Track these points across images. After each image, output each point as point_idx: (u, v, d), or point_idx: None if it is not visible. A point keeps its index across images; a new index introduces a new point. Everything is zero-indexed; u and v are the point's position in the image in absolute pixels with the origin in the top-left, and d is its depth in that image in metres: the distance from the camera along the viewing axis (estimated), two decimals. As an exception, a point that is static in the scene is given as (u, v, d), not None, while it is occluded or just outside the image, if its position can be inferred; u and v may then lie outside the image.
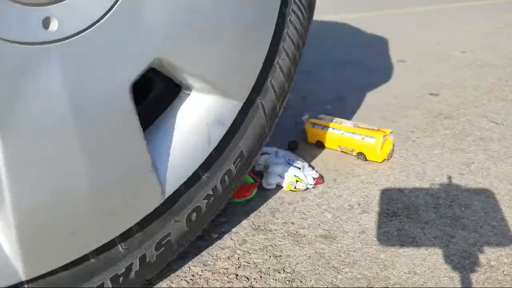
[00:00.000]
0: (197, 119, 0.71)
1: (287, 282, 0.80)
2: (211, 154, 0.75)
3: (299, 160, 1.16)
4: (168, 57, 0.62)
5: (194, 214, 0.75)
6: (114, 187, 0.62)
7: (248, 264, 0.84)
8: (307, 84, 2.05)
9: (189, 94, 0.71)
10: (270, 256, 0.87)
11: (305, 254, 0.87)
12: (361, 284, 0.80)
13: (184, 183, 0.72)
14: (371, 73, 2.24)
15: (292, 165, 1.12)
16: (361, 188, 1.12)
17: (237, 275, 0.82)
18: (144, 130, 0.63)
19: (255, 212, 1.01)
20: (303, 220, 0.98)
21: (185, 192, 0.73)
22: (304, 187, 1.09)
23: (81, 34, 0.53)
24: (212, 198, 0.78)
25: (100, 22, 0.54)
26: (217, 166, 0.77)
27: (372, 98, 1.83)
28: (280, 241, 0.92)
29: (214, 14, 0.66)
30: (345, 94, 1.88)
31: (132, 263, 0.68)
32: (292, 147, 1.31)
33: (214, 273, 0.82)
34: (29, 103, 0.50)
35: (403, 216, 0.99)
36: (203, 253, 0.87)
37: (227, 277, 0.81)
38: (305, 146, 1.36)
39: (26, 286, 0.57)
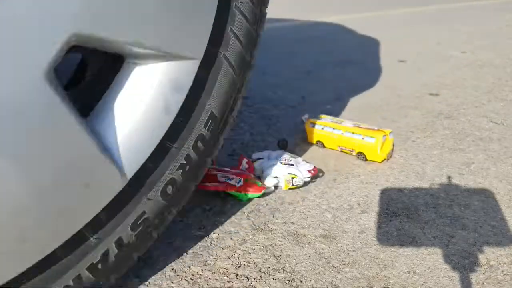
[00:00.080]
0: (147, 89, 0.66)
1: (287, 281, 0.80)
2: (175, 123, 0.70)
3: (292, 157, 1.16)
4: (89, 30, 0.55)
5: (170, 187, 0.73)
6: (58, 182, 0.58)
7: (248, 264, 0.85)
8: (307, 84, 2.05)
9: (132, 65, 0.66)
10: (270, 256, 0.87)
11: (305, 254, 0.87)
12: (361, 283, 0.80)
13: (150, 158, 0.68)
14: (371, 73, 2.24)
15: (285, 163, 1.13)
16: (361, 188, 1.12)
17: (237, 274, 0.82)
18: (90, 111, 0.60)
19: (255, 212, 1.01)
20: (303, 220, 0.99)
21: (153, 167, 0.70)
22: (301, 182, 1.09)
23: None
24: (188, 167, 0.74)
25: None
26: (186, 134, 0.73)
27: (372, 98, 1.83)
28: (280, 241, 0.92)
29: None
30: (345, 94, 1.89)
31: (107, 249, 0.67)
32: (282, 146, 1.31)
33: (214, 272, 0.82)
34: None
35: (403, 216, 1.00)
36: (203, 252, 0.88)
37: (227, 276, 0.81)
38: (305, 146, 1.36)
39: None
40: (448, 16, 4.43)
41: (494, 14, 4.50)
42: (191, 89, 0.70)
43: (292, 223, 0.98)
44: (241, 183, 1.04)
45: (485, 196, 1.08)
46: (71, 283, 0.65)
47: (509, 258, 0.86)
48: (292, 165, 1.12)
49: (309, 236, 0.93)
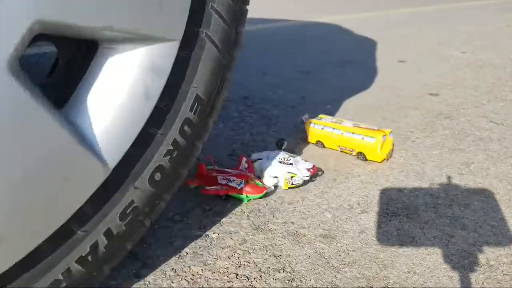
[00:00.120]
0: (124, 75, 0.63)
1: (287, 281, 0.80)
2: (158, 108, 0.67)
3: (290, 156, 1.16)
4: (54, 17, 0.52)
5: (158, 174, 0.71)
6: (33, 176, 0.56)
7: (248, 264, 0.85)
8: (307, 84, 2.05)
9: (106, 50, 0.63)
10: (270, 256, 0.87)
11: (305, 254, 0.88)
12: (360, 283, 0.80)
13: (133, 146, 0.66)
14: (371, 73, 2.24)
15: (284, 163, 1.13)
16: (360, 188, 1.12)
17: (237, 274, 0.82)
18: (66, 101, 0.59)
19: (255, 212, 1.01)
20: (303, 220, 0.99)
21: (138, 155, 0.68)
22: (301, 181, 1.10)
23: None
24: (176, 152, 0.72)
25: None
26: (170, 119, 0.70)
27: (372, 98, 1.83)
28: (280, 240, 0.92)
29: None
30: (345, 94, 1.89)
31: (96, 241, 0.66)
32: (280, 145, 1.31)
33: (214, 272, 0.82)
34: None
35: (403, 216, 1.00)
36: (203, 252, 0.88)
37: (227, 276, 0.81)
38: (305, 146, 1.36)
39: None
40: (448, 16, 4.43)
41: (494, 14, 4.50)
42: (173, 72, 0.67)
43: (292, 223, 0.98)
44: (242, 185, 1.04)
45: (485, 196, 1.08)
46: (60, 277, 0.64)
47: (509, 258, 0.86)
48: (291, 164, 1.12)
49: (309, 236, 0.93)
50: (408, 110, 1.68)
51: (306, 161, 1.16)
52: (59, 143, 0.57)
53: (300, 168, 1.12)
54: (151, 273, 0.82)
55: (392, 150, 1.28)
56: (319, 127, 1.34)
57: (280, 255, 0.87)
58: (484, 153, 1.31)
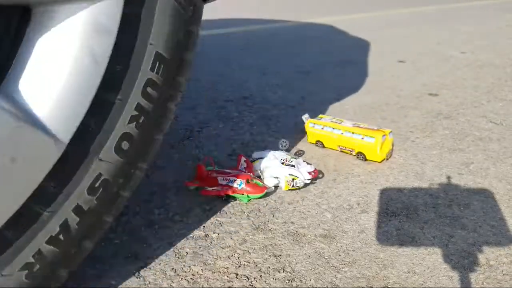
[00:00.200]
0: (65, 39, 0.57)
1: (287, 281, 0.80)
2: (110, 72, 0.62)
3: (293, 158, 1.16)
4: None
5: (125, 143, 0.66)
6: None
7: (248, 264, 0.85)
8: (307, 84, 2.05)
9: (41, 15, 0.57)
10: (270, 256, 0.87)
11: (305, 254, 0.88)
12: (360, 283, 0.80)
13: (89, 117, 0.61)
14: (371, 73, 2.24)
15: (286, 164, 1.13)
16: (360, 188, 1.12)
17: (237, 274, 0.82)
18: (2, 78, 0.55)
19: (255, 212, 1.02)
20: (303, 220, 0.99)
21: (97, 126, 0.64)
22: (302, 184, 1.10)
23: None
24: (142, 118, 0.67)
25: None
26: (128, 82, 0.64)
27: (372, 98, 1.83)
28: (280, 240, 0.92)
29: None
30: (345, 94, 1.89)
31: (66, 219, 0.64)
32: (284, 147, 1.31)
33: (214, 272, 0.83)
34: None
35: (402, 216, 1.00)
36: (203, 252, 0.88)
37: (227, 276, 0.82)
38: (305, 146, 1.36)
39: None
40: (448, 16, 4.43)
41: (494, 14, 4.50)
42: (122, 30, 0.61)
43: (292, 222, 0.98)
44: (242, 185, 1.04)
45: (485, 196, 1.08)
46: (31, 259, 0.63)
47: (509, 258, 0.86)
48: (293, 166, 1.12)
49: (309, 236, 0.93)
50: (408, 110, 1.69)
51: (308, 163, 1.16)
52: None
53: (302, 171, 1.11)
54: (151, 273, 0.82)
55: (392, 150, 1.28)
56: (319, 127, 1.34)
57: (280, 255, 0.87)
58: (484, 153, 1.31)
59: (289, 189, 1.10)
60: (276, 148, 1.29)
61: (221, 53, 2.71)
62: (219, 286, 0.79)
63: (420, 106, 1.73)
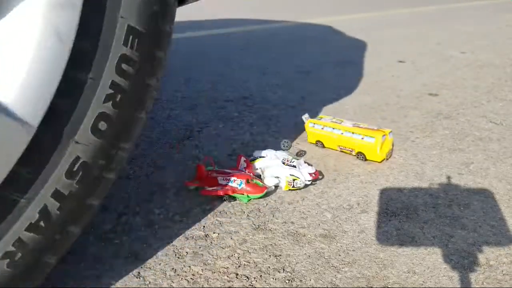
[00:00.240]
0: (25, 17, 0.55)
1: (287, 281, 0.80)
2: (79, 49, 0.58)
3: (294, 158, 1.16)
4: None
5: (103, 123, 0.63)
6: None
7: (248, 264, 0.85)
8: (307, 84, 2.05)
9: None
10: (270, 256, 0.87)
11: (305, 254, 0.88)
12: (360, 283, 0.80)
13: (59, 98, 0.59)
14: (371, 73, 2.24)
15: (287, 164, 1.13)
16: (360, 188, 1.12)
17: (237, 274, 0.82)
18: None
19: (255, 212, 1.02)
20: (303, 220, 0.99)
21: (70, 107, 0.61)
22: (303, 184, 1.10)
23: None
24: (119, 96, 0.63)
25: None
26: (99, 59, 0.61)
27: (372, 98, 1.83)
28: (280, 240, 0.92)
29: None
30: (345, 94, 1.89)
31: (45, 205, 0.62)
32: (286, 147, 1.31)
33: (214, 272, 0.83)
34: None
35: (402, 216, 1.00)
36: (203, 252, 0.88)
37: (227, 276, 0.82)
38: (305, 146, 1.36)
39: None
40: (448, 16, 4.43)
41: (494, 14, 4.50)
42: (87, 4, 0.58)
43: (292, 222, 0.98)
44: (242, 185, 1.04)
45: (485, 196, 1.08)
46: (11, 248, 0.61)
47: (509, 258, 0.86)
48: (294, 166, 1.12)
49: (309, 236, 0.93)
50: (408, 110, 1.69)
51: (309, 164, 1.16)
52: None
53: (303, 172, 1.11)
54: (151, 273, 0.82)
55: (392, 150, 1.28)
56: (319, 127, 1.34)
57: (280, 255, 0.87)
58: (484, 153, 1.31)
59: (290, 190, 1.10)
60: (276, 148, 1.29)
61: (221, 53, 2.71)
62: (219, 286, 0.79)
63: (420, 106, 1.73)
